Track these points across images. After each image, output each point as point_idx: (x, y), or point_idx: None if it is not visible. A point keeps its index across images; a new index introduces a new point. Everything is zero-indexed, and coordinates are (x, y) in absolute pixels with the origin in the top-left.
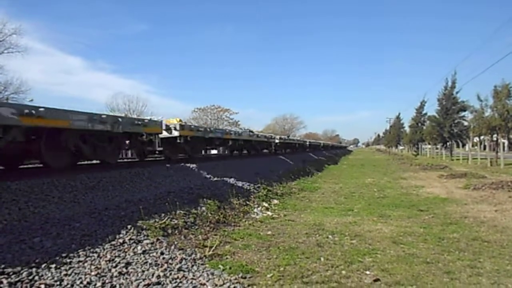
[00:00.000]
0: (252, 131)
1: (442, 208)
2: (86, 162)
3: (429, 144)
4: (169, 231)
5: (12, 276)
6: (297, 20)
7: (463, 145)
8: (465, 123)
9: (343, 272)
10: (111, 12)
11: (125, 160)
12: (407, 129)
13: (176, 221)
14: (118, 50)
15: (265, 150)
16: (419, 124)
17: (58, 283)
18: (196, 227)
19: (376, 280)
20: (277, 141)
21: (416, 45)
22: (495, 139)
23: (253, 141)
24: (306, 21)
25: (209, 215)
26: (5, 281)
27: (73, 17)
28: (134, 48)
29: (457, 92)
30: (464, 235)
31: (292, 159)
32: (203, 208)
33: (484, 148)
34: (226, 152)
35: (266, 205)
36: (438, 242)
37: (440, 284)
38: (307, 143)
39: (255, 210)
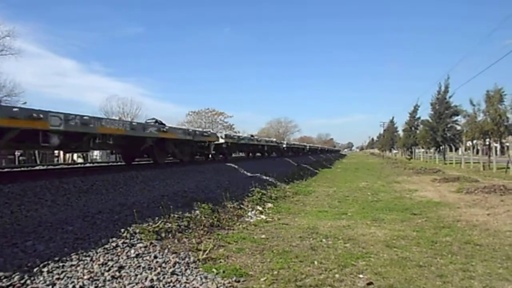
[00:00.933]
0: (253, 136)
1: (435, 211)
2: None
3: (422, 148)
4: (163, 234)
5: (4, 280)
6: (292, 22)
7: (456, 149)
8: (458, 128)
9: (337, 275)
10: (105, 15)
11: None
12: (400, 133)
13: (170, 225)
14: (113, 53)
15: (273, 154)
16: (413, 128)
17: (50, 287)
18: (190, 230)
19: (370, 283)
20: (284, 145)
21: (410, 48)
22: (487, 143)
23: (266, 146)
24: (301, 23)
25: (203, 218)
26: None
27: (67, 20)
28: (129, 51)
29: (450, 97)
30: (456, 239)
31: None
32: (197, 212)
33: (477, 152)
34: (243, 154)
35: (260, 208)
36: (431, 245)
37: (432, 287)
38: (307, 147)
39: (249, 213)
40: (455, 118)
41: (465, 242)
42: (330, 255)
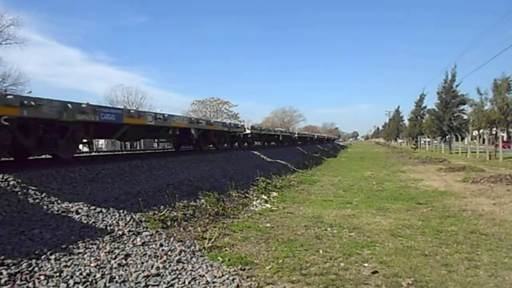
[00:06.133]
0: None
1: (440, 201)
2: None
3: (428, 137)
4: (169, 223)
5: (12, 267)
6: (298, 13)
7: (462, 139)
8: (465, 117)
9: (342, 264)
10: (110, 4)
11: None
12: (406, 122)
13: (175, 213)
14: (117, 42)
15: (286, 143)
16: (419, 118)
17: (57, 274)
18: (195, 219)
19: (374, 272)
20: (296, 135)
21: (416, 38)
22: (494, 132)
23: (281, 136)
24: (307, 14)
25: (208, 207)
26: (4, 272)
27: (71, 8)
28: (133, 40)
29: (457, 86)
30: (462, 228)
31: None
32: (202, 201)
33: (483, 142)
34: (259, 143)
35: (265, 197)
36: (436, 235)
37: (438, 276)
38: (315, 137)
39: (254, 202)
40: (462, 107)
41: (471, 232)
42: (335, 244)
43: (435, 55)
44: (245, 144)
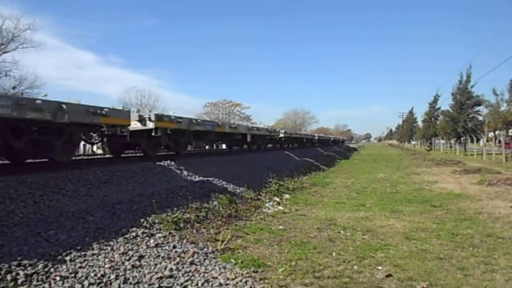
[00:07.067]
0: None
1: (455, 204)
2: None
3: (442, 139)
4: (181, 225)
5: (28, 268)
6: (310, 14)
7: (477, 140)
8: (480, 118)
9: (355, 267)
10: (122, 7)
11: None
12: (420, 123)
13: (188, 215)
14: (130, 45)
15: (307, 144)
16: (433, 119)
17: (73, 275)
18: (208, 221)
19: (389, 275)
20: (316, 138)
21: (430, 40)
22: (510, 134)
23: (304, 138)
24: (319, 15)
25: (221, 209)
26: (21, 273)
27: (85, 12)
28: (146, 42)
29: (472, 86)
30: (478, 231)
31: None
32: (215, 202)
33: (499, 143)
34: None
35: (278, 199)
36: (451, 238)
37: (453, 280)
38: (332, 139)
39: (267, 204)
40: (477, 108)
41: (487, 235)
42: (348, 247)
43: (450, 56)
44: (278, 145)
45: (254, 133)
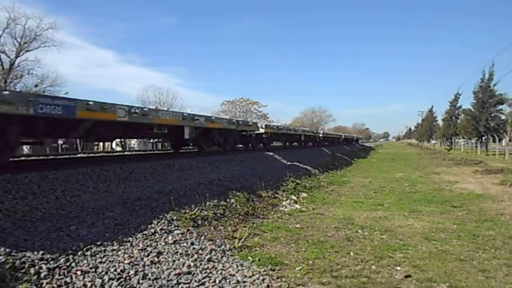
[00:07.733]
0: (312, 131)
1: (476, 204)
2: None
3: (463, 138)
4: (199, 222)
5: (51, 262)
6: (327, 13)
7: (500, 140)
8: (503, 117)
9: (373, 267)
10: (141, 5)
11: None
12: (440, 122)
13: (206, 212)
14: (149, 43)
15: (326, 142)
16: (453, 118)
17: (93, 270)
18: (226, 218)
19: (407, 276)
20: (343, 137)
21: (450, 41)
22: None
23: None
24: (337, 14)
25: (238, 207)
26: (44, 267)
27: (105, 11)
28: (164, 41)
29: (494, 85)
30: (500, 233)
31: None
32: (232, 200)
33: None
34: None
35: (295, 198)
36: (472, 239)
37: (474, 282)
38: (355, 138)
39: (284, 203)
40: (500, 107)
41: (509, 237)
42: (366, 246)
43: (471, 55)
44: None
45: (306, 134)
